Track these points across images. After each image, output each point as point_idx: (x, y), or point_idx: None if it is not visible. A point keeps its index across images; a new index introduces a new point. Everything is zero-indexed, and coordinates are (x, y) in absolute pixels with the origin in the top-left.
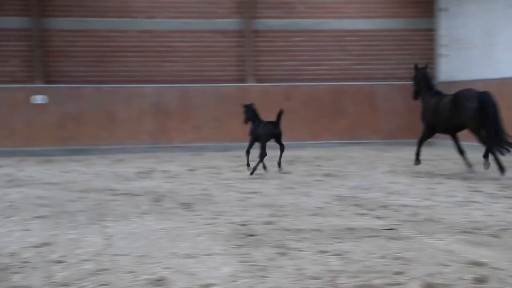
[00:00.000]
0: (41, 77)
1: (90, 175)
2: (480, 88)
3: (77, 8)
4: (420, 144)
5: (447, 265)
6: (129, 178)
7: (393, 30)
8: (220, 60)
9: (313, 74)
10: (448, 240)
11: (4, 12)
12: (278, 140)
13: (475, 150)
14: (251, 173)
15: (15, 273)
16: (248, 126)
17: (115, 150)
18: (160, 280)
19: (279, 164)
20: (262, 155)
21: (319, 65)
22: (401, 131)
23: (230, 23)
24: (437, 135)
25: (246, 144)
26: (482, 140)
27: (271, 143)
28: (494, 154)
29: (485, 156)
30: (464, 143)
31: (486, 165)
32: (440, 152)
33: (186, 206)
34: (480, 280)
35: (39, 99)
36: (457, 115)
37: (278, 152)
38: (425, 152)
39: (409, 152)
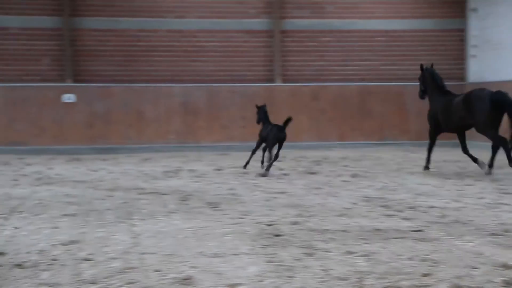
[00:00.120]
0: (71, 76)
1: (118, 174)
2: (509, 90)
3: (108, 8)
4: (430, 150)
5: (475, 268)
6: (157, 177)
7: (422, 31)
8: (248, 60)
9: (341, 74)
10: (477, 242)
11: (35, 11)
12: (280, 145)
13: (482, 149)
14: (263, 175)
15: (44, 270)
16: (259, 127)
17: (143, 149)
18: (186, 279)
19: (263, 162)
20: (276, 155)
21: (347, 65)
22: None
23: (258, 23)
24: (470, 136)
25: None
26: (500, 140)
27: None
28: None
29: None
30: (471, 142)
31: None
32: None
33: (213, 205)
34: (510, 283)
35: (69, 97)
36: (468, 116)
37: (280, 153)
38: (453, 153)
39: (438, 153)
